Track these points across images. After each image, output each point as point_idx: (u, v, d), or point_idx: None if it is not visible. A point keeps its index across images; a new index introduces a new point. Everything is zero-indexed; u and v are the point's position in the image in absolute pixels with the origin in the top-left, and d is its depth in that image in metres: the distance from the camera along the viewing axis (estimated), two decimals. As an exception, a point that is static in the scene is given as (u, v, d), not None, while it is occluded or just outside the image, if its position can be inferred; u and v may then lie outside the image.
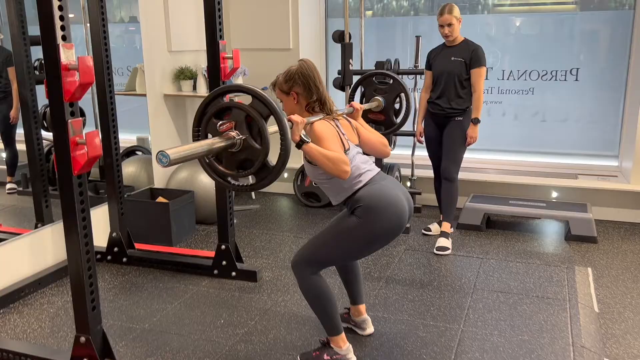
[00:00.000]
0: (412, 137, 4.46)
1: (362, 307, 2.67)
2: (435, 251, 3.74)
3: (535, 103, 4.94)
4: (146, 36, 4.18)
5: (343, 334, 2.39)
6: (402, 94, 3.51)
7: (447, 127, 3.88)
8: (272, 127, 1.91)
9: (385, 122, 3.54)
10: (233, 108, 1.90)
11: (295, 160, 5.26)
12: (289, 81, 2.30)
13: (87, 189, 2.24)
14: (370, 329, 2.68)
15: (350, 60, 4.07)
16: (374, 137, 2.50)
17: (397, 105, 3.64)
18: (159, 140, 4.45)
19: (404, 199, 2.27)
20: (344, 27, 4.23)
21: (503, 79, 4.97)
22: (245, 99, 2.02)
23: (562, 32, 4.85)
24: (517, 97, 4.97)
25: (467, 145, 3.85)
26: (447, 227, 3.85)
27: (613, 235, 4.09)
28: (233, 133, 1.88)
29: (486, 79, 4.19)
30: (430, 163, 4.13)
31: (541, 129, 4.97)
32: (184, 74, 4.49)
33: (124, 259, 3.60)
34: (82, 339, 2.29)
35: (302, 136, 2.10)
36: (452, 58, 3.79)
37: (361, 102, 3.45)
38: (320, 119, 2.25)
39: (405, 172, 4.63)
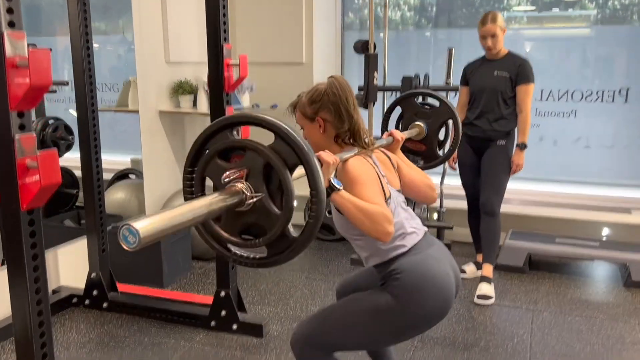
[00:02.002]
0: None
1: None
2: (476, 300, 3.14)
3: (578, 127, 4.38)
4: (140, 45, 3.65)
5: None
6: (451, 121, 2.66)
7: (488, 152, 3.33)
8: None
9: (425, 153, 2.72)
10: (248, 150, 1.28)
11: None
12: (316, 103, 1.72)
13: (41, 228, 1.67)
14: None
15: (375, 74, 3.50)
16: (419, 176, 1.92)
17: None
18: (153, 162, 3.89)
19: (452, 277, 1.70)
20: (361, 39, 3.67)
21: (541, 100, 4.43)
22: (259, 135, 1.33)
23: (609, 49, 4.32)
24: (557, 120, 4.42)
25: (512, 173, 3.30)
26: (488, 270, 3.25)
27: (680, 282, 3.49)
28: (242, 185, 1.27)
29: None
30: (463, 192, 3.57)
31: (584, 156, 4.41)
32: (183, 88, 3.95)
33: (105, 304, 3.02)
34: None
35: (332, 181, 1.54)
36: (496, 73, 3.25)
37: (397, 126, 2.72)
38: (354, 155, 1.68)
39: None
